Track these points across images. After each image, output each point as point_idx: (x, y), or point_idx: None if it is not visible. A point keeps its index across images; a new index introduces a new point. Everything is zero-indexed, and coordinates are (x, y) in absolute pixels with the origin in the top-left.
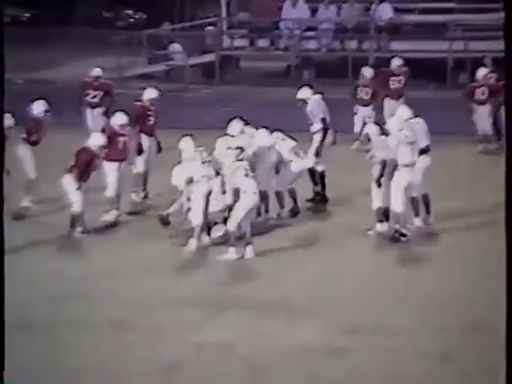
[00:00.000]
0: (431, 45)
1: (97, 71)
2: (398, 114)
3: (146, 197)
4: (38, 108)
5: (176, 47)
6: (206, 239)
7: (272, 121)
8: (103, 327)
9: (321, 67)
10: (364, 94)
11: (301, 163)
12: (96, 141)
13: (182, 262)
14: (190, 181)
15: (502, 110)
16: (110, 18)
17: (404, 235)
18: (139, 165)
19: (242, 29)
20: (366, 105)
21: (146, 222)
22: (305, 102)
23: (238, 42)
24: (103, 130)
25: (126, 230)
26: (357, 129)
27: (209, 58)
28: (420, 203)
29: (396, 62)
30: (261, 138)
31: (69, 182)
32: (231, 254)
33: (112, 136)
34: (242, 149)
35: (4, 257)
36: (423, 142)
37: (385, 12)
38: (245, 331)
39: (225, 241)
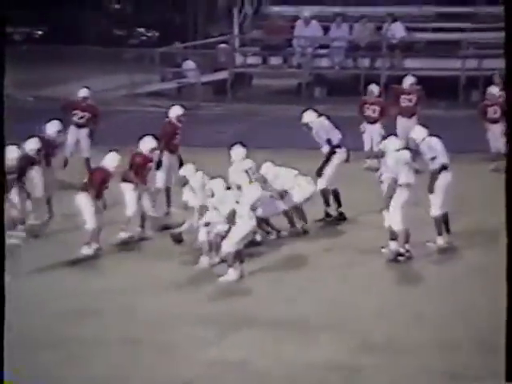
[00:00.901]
0: (444, 63)
1: (84, 92)
2: (413, 135)
3: (168, 213)
4: (51, 128)
5: (190, 64)
6: (216, 259)
7: (283, 139)
8: (116, 344)
9: (333, 85)
10: (371, 111)
11: (302, 192)
12: (112, 161)
13: (194, 280)
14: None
15: None
16: (123, 36)
17: (402, 255)
18: (159, 181)
19: (255, 46)
20: (373, 122)
21: (162, 239)
22: (308, 126)
23: (251, 60)
24: (134, 156)
25: (140, 247)
26: (367, 147)
27: (221, 75)
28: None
29: (408, 81)
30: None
31: (83, 200)
32: (231, 275)
33: (140, 161)
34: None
35: (4, 262)
36: (443, 159)
37: (397, 31)
38: (257, 349)
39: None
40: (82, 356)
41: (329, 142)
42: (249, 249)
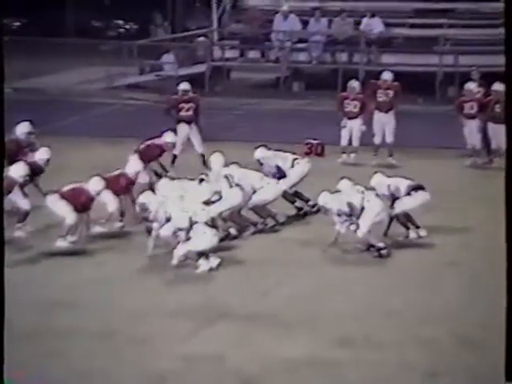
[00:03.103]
0: (421, 58)
1: (185, 85)
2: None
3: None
4: (21, 130)
5: (170, 58)
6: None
7: (261, 133)
8: (90, 336)
9: (311, 79)
10: (352, 106)
11: (270, 193)
12: (95, 185)
13: (170, 273)
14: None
15: (491, 125)
16: (100, 27)
17: (383, 248)
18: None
19: (233, 40)
20: (353, 117)
21: (140, 232)
22: (260, 162)
23: (229, 54)
24: (118, 176)
25: (118, 241)
26: (344, 142)
27: (199, 68)
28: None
29: (385, 76)
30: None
31: (55, 203)
32: (203, 266)
33: (124, 183)
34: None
35: (4, 260)
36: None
37: (375, 26)
38: (233, 343)
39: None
40: (57, 348)
41: (278, 169)
42: (224, 242)
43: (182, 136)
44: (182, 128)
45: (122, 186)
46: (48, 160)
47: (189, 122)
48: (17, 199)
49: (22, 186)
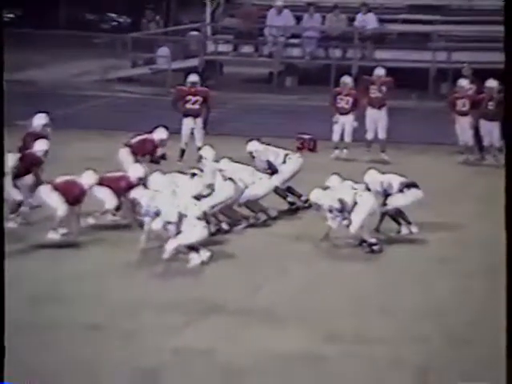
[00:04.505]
0: (414, 54)
1: (193, 77)
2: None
3: None
4: (37, 122)
5: (164, 51)
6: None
7: (253, 127)
8: (79, 330)
9: (304, 74)
10: (344, 102)
11: (262, 187)
12: (88, 179)
13: (162, 266)
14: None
15: (483, 122)
16: (94, 20)
17: (375, 244)
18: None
19: (227, 35)
20: (346, 113)
21: (131, 228)
22: (252, 155)
23: (222, 48)
24: (120, 178)
25: (110, 233)
26: (336, 138)
27: (192, 62)
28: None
29: (377, 72)
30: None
31: (47, 194)
32: (194, 259)
33: (124, 185)
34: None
35: (4, 257)
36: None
37: (369, 22)
38: (224, 337)
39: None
40: (45, 342)
41: (269, 164)
42: (216, 236)
43: (186, 129)
44: (187, 122)
45: (122, 188)
46: (47, 151)
47: (195, 116)
48: (9, 190)
49: (15, 177)
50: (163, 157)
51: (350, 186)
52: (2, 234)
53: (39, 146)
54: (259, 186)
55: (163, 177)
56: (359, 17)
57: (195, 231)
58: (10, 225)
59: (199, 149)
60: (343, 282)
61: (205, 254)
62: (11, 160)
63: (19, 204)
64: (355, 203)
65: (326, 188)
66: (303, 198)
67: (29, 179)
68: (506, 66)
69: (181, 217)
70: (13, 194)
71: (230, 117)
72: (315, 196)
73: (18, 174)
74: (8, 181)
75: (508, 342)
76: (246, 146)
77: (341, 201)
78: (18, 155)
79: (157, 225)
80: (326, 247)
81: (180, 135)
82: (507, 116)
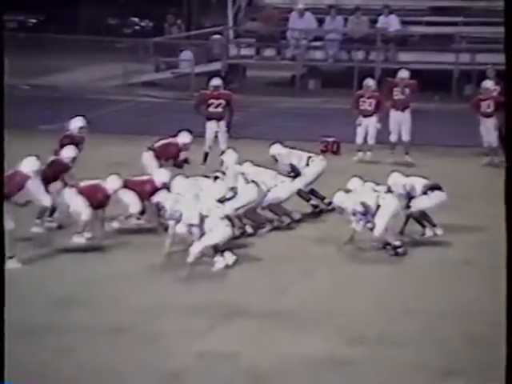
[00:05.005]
0: (437, 56)
1: (216, 80)
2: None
3: None
4: (75, 125)
5: (187, 55)
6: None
7: (276, 130)
8: (104, 333)
9: (327, 77)
10: (367, 105)
11: (284, 190)
12: (113, 184)
13: (186, 270)
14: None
15: None
16: (116, 25)
17: (400, 246)
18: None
19: (249, 38)
20: (369, 115)
21: (155, 232)
22: (275, 158)
23: (245, 51)
24: (145, 181)
25: (134, 237)
26: (359, 140)
27: (215, 66)
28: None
29: (401, 74)
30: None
31: (72, 198)
32: (219, 263)
33: (149, 189)
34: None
35: (4, 259)
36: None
37: (392, 24)
38: (248, 340)
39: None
40: (69, 345)
41: (292, 167)
42: (240, 239)
43: (210, 133)
44: (210, 125)
45: (146, 192)
46: (74, 158)
47: (218, 119)
48: (38, 194)
49: (46, 182)
50: (186, 161)
51: (371, 188)
52: (1, 234)
53: (67, 153)
54: (281, 189)
55: (186, 180)
56: (381, 19)
57: (218, 231)
58: (35, 230)
59: (223, 152)
60: (367, 284)
61: (230, 258)
62: (34, 164)
63: (45, 209)
64: (378, 206)
65: (348, 191)
66: (326, 201)
67: (57, 185)
68: (507, 67)
69: (202, 218)
70: (42, 199)
71: (252, 120)
72: (338, 199)
73: (45, 180)
74: (37, 185)
75: (508, 341)
76: (268, 149)
77: (363, 204)
78: (51, 159)
79: (181, 228)
80: (350, 250)
81: (204, 139)
82: (507, 116)
